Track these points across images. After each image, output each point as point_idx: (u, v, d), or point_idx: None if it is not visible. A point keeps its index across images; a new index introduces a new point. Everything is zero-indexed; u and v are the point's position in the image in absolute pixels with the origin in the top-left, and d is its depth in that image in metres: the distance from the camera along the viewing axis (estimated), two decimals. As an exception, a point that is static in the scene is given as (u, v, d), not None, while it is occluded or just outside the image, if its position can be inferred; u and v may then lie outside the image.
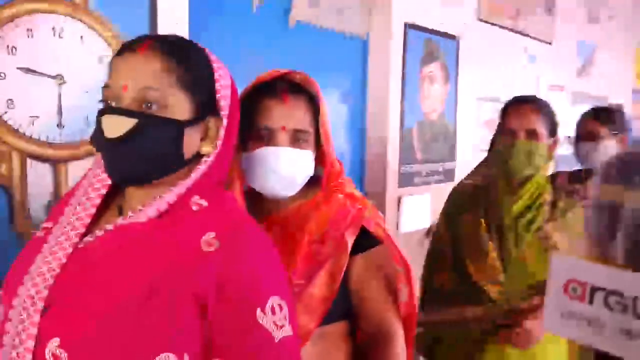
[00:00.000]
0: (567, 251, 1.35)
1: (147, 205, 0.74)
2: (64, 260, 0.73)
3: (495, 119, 1.71)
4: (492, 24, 3.08)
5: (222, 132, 0.79)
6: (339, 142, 2.44)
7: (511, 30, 3.26)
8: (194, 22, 1.71)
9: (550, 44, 3.68)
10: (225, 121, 0.79)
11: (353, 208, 1.05)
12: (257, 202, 1.06)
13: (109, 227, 0.75)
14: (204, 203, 0.76)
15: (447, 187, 2.85)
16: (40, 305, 0.70)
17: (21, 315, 0.69)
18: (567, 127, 4.01)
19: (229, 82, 0.82)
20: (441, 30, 2.68)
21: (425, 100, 2.65)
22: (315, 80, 1.10)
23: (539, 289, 1.38)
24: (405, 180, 2.55)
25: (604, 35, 4.34)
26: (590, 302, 0.45)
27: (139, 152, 0.72)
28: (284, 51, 2.13)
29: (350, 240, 1.01)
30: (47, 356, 0.67)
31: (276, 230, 1.03)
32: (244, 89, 1.09)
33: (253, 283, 0.73)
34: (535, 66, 3.54)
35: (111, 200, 0.82)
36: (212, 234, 0.72)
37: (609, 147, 1.86)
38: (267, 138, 1.00)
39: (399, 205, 2.54)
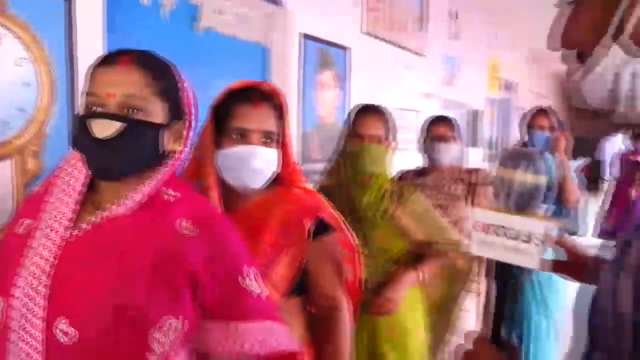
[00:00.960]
0: (412, 227, 1.74)
1: (127, 197, 0.85)
2: (57, 252, 0.82)
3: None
4: (375, 37, 3.41)
5: (186, 133, 0.93)
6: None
7: (391, 43, 3.63)
8: (110, 26, 1.76)
9: (423, 56, 4.14)
10: (188, 124, 0.93)
11: (310, 201, 1.24)
12: (225, 195, 1.20)
13: (95, 219, 0.85)
14: (177, 194, 0.89)
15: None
16: (43, 291, 0.78)
17: (26, 302, 0.77)
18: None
19: (191, 92, 0.96)
20: (334, 41, 2.94)
21: (320, 105, 2.89)
22: (280, 90, 1.27)
23: (394, 262, 1.73)
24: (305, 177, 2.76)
25: (464, 50, 4.95)
26: (488, 233, 0.78)
27: (126, 151, 0.83)
28: (192, 56, 2.22)
29: (308, 228, 1.19)
30: (57, 335, 0.77)
31: (244, 220, 1.17)
32: (217, 95, 1.24)
33: (233, 258, 0.89)
34: (411, 75, 3.97)
35: (83, 196, 0.91)
36: (189, 221, 0.85)
37: (455, 148, 2.36)
38: (242, 138, 1.15)
39: (299, 202, 2.74)
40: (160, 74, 0.89)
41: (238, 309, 0.88)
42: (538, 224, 0.77)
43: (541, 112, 2.71)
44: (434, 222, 1.79)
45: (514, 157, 0.84)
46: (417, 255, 1.78)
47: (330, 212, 1.27)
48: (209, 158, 1.16)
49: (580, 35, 0.58)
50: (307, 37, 2.71)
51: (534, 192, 0.80)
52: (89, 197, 0.90)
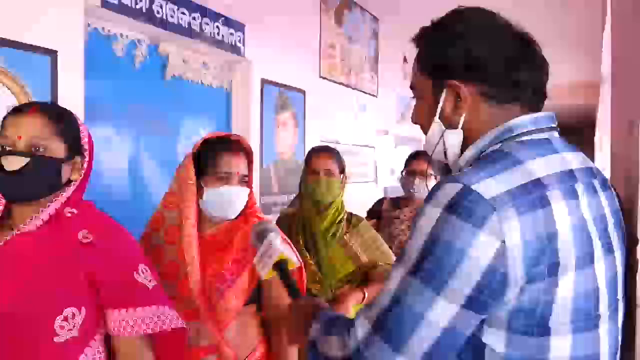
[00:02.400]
0: (359, 251, 1.96)
1: (34, 218, 1.07)
2: None
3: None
4: (330, 80, 3.75)
5: (84, 165, 1.14)
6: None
7: (345, 85, 3.97)
8: (89, 76, 2.01)
9: (375, 96, 4.50)
10: (87, 158, 1.15)
11: None
12: (200, 222, 1.47)
13: (7, 237, 1.07)
14: (75, 211, 1.11)
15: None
16: None
17: None
18: (393, 162, 4.82)
19: (87, 133, 1.18)
20: (291, 85, 3.25)
21: (279, 142, 3.17)
22: (246, 139, 1.57)
23: (343, 281, 1.96)
24: (265, 209, 3.02)
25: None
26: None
27: (31, 180, 1.05)
28: (162, 100, 2.48)
29: None
30: None
31: (214, 243, 1.46)
32: (195, 144, 1.49)
33: (126, 258, 1.11)
34: (365, 114, 4.30)
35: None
36: (85, 231, 1.06)
37: (431, 184, 2.43)
38: (225, 180, 1.44)
39: (260, 231, 2.98)
40: (60, 119, 1.11)
41: (134, 297, 1.08)
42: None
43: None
44: (378, 248, 2.02)
45: (262, 232, 1.17)
46: (362, 276, 2.01)
47: (281, 236, 1.55)
48: (191, 193, 1.44)
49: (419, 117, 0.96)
50: (266, 81, 3.01)
51: None
52: (5, 221, 1.11)
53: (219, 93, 2.85)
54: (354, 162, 3.95)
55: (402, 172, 2.59)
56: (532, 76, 0.86)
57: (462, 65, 0.85)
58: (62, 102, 1.89)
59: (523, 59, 0.85)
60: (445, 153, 0.91)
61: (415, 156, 2.58)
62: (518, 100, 0.86)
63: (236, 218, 1.50)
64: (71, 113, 1.17)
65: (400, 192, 2.64)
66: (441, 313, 0.75)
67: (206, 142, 1.48)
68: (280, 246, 1.13)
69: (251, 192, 1.53)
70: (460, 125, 0.87)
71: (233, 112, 2.95)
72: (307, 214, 1.99)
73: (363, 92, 4.27)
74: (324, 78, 3.66)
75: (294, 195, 3.29)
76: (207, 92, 2.76)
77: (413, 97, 0.96)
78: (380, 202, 2.66)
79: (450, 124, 0.88)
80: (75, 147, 1.13)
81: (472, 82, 0.85)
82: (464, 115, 0.86)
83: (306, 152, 3.41)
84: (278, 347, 1.49)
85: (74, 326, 1.02)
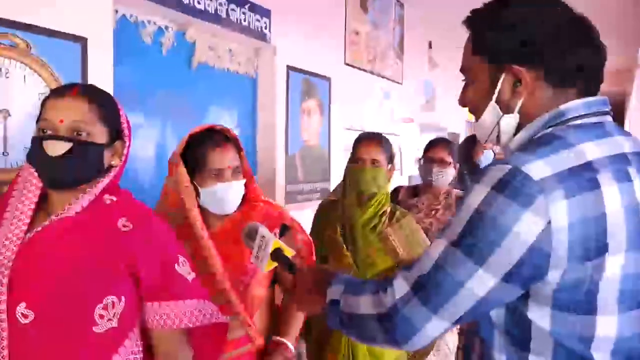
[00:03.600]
0: (400, 247, 1.86)
1: (73, 203, 1.03)
2: (16, 250, 1.01)
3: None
4: (355, 67, 3.70)
5: (124, 151, 1.12)
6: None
7: (370, 72, 3.92)
8: (118, 63, 2.01)
9: (400, 83, 4.44)
10: (127, 143, 1.13)
11: (274, 211, 1.54)
12: (205, 218, 1.47)
13: (46, 223, 1.03)
14: (114, 198, 1.08)
15: (324, 203, 3.37)
16: (5, 281, 0.98)
17: None
18: (417, 150, 4.77)
19: (125, 117, 1.15)
20: (316, 72, 3.21)
21: (305, 130, 3.15)
22: (230, 129, 1.54)
23: (377, 276, 1.86)
24: (291, 197, 3.01)
25: (442, 77, 5.26)
26: None
27: (73, 166, 1.01)
28: (189, 87, 2.48)
29: (276, 232, 1.49)
30: (17, 316, 0.97)
31: (225, 236, 1.46)
32: (182, 139, 1.49)
33: (166, 248, 1.07)
34: (389, 102, 4.25)
35: (35, 206, 1.09)
36: (125, 219, 1.03)
37: (450, 173, 2.40)
38: (218, 176, 1.42)
39: (285, 219, 2.97)
40: (102, 103, 1.07)
41: (174, 290, 1.06)
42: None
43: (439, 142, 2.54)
44: (420, 245, 1.91)
45: (251, 231, 1.15)
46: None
47: (289, 217, 1.56)
48: (191, 197, 1.43)
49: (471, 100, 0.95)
50: (292, 68, 2.98)
51: None
52: (42, 206, 1.08)
53: (245, 80, 2.83)
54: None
55: (420, 159, 2.52)
56: (590, 60, 0.84)
57: (522, 50, 0.83)
58: (92, 89, 1.90)
59: (581, 42, 0.84)
60: (498, 137, 0.91)
61: (434, 143, 2.49)
62: (574, 84, 0.85)
63: (239, 208, 1.49)
64: (111, 96, 1.14)
65: (419, 181, 2.59)
66: (480, 284, 0.78)
67: (192, 138, 1.46)
68: (271, 237, 1.12)
69: (250, 178, 1.51)
70: (517, 110, 0.87)
71: (259, 99, 2.93)
72: (348, 203, 1.91)
73: (388, 79, 4.21)
74: (349, 65, 3.61)
75: (319, 184, 3.28)
76: (233, 78, 2.74)
77: (463, 80, 0.95)
78: (396, 190, 2.58)
79: (506, 108, 0.88)
80: (115, 132, 1.10)
81: (531, 67, 0.84)
82: (522, 99, 0.86)
83: (331, 140, 3.43)
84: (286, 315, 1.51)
85: (113, 315, 1.00)
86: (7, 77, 1.65)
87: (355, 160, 1.93)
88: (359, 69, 3.75)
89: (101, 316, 0.99)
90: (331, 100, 3.38)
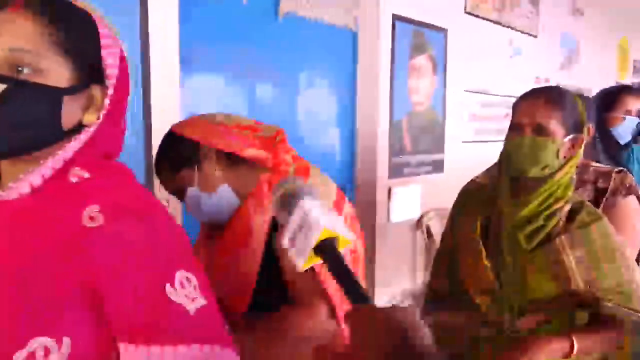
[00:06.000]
0: (578, 271, 1.21)
1: (18, 181, 0.68)
2: None
3: (483, 111, 1.70)
4: (479, 16, 3.11)
5: (107, 102, 0.72)
6: (329, 133, 2.45)
7: (497, 23, 3.30)
8: (184, 15, 1.71)
9: (535, 36, 3.73)
10: (111, 90, 0.73)
11: (265, 185, 1.13)
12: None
13: None
14: (86, 174, 0.70)
15: (437, 178, 2.91)
16: None
17: None
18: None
19: (117, 50, 0.74)
20: (429, 22, 2.71)
21: (414, 93, 2.68)
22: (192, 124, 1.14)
23: (535, 307, 1.25)
24: (395, 171, 2.58)
25: (587, 27, 4.41)
26: None
27: (9, 122, 0.65)
28: (273, 43, 2.13)
29: (260, 218, 1.09)
30: None
31: (230, 231, 1.12)
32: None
33: (154, 259, 0.67)
34: (520, 58, 3.59)
35: None
36: (95, 207, 0.66)
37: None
38: (178, 193, 1.14)
39: (389, 196, 2.56)
40: (66, 23, 0.69)
41: (163, 327, 0.65)
42: None
43: (628, 91, 2.01)
44: (617, 271, 1.23)
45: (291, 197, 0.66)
46: (574, 310, 1.26)
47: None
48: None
49: None
50: (399, 18, 2.52)
51: None
52: None
53: (342, 33, 2.43)
54: (507, 117, 3.31)
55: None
56: None
57: None
58: (153, 46, 1.62)
59: None
60: None
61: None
62: None
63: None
64: (86, 15, 0.72)
65: None
66: None
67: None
68: (321, 215, 0.64)
69: (240, 147, 1.10)
70: None
71: (359, 56, 2.51)
72: (499, 193, 1.31)
73: (520, 31, 3.54)
74: (471, 14, 3.04)
75: (430, 155, 2.80)
76: (328, 32, 2.35)
77: None
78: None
79: None
80: (92, 71, 0.72)
81: None
82: None
83: (447, 104, 2.92)
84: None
85: None
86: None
87: (512, 126, 1.32)
88: (483, 18, 3.16)
89: None
90: (447, 56, 2.86)
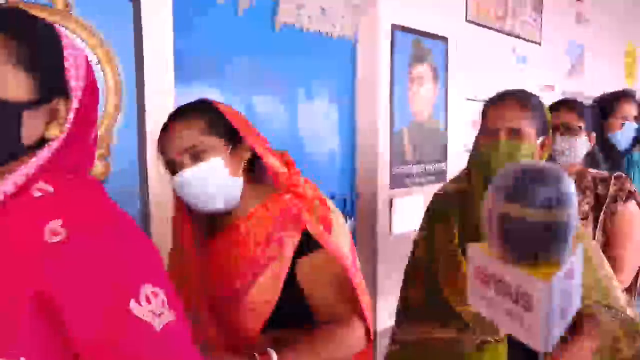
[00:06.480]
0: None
1: None
2: None
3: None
4: (480, 25, 3.09)
5: (71, 115, 0.71)
6: (329, 144, 2.43)
7: (499, 31, 3.27)
8: (179, 26, 1.71)
9: (539, 44, 3.70)
10: (76, 102, 0.72)
11: (294, 209, 1.06)
12: (210, 220, 1.11)
13: None
14: (50, 189, 0.69)
15: (439, 188, 2.87)
16: None
17: None
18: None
19: (82, 61, 0.74)
20: (430, 31, 2.69)
21: (415, 102, 2.65)
22: (205, 101, 1.12)
23: None
24: (397, 181, 2.55)
25: (592, 35, 4.36)
26: (489, 286, 0.52)
27: None
28: (271, 55, 2.12)
29: (289, 242, 1.03)
30: None
31: (227, 237, 1.07)
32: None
33: (118, 274, 0.65)
34: (525, 67, 3.55)
35: None
36: (58, 222, 0.64)
37: (582, 143, 1.71)
38: (172, 166, 1.04)
39: (390, 207, 2.53)
40: (25, 36, 0.68)
41: (126, 346, 0.63)
42: (537, 283, 0.49)
43: (624, 97, 2.00)
44: (594, 274, 1.25)
45: (520, 182, 0.56)
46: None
47: (317, 223, 1.06)
48: (174, 197, 1.08)
49: None
50: (398, 28, 2.50)
51: (551, 233, 0.52)
52: None
53: (341, 44, 2.41)
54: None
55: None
56: None
57: None
58: (148, 57, 1.62)
59: None
60: None
61: (559, 106, 1.78)
62: None
63: (265, 198, 1.07)
64: (48, 26, 0.72)
65: None
66: None
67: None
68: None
69: (264, 159, 1.05)
70: None
71: (358, 66, 2.50)
72: (475, 198, 1.31)
73: (523, 39, 3.51)
74: (472, 22, 3.01)
75: (432, 165, 2.77)
76: (326, 43, 2.33)
77: None
78: None
79: None
80: (54, 84, 0.71)
81: None
82: None
83: (449, 113, 2.89)
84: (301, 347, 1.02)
85: None
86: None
87: (485, 130, 1.33)
88: (485, 26, 3.13)
89: None
90: (448, 65, 2.83)
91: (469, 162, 1.40)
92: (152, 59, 1.63)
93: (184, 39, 1.75)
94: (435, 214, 1.47)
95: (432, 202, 1.53)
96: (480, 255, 0.53)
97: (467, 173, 1.41)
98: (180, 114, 1.07)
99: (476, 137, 1.39)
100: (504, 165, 1.24)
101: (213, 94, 1.96)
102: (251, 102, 2.10)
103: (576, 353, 1.22)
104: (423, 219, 1.54)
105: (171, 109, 1.64)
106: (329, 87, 2.40)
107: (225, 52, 1.96)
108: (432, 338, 1.34)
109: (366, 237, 2.50)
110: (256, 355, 0.94)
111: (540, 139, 1.32)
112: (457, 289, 1.29)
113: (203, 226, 1.13)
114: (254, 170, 1.12)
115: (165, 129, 1.07)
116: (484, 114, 1.37)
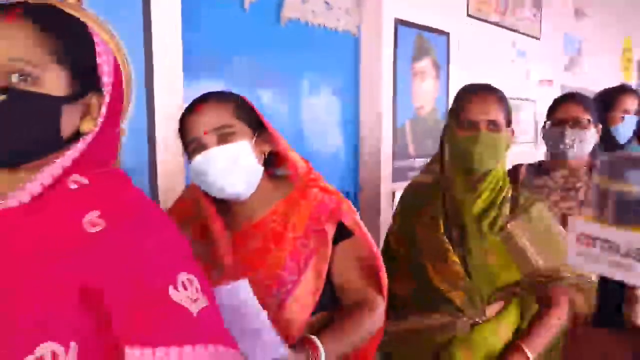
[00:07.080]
0: (530, 250, 1.32)
1: (18, 188, 0.68)
2: None
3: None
4: (481, 19, 3.11)
5: (104, 109, 0.74)
6: (332, 138, 2.45)
7: (500, 25, 3.30)
8: (186, 20, 1.72)
9: (538, 39, 3.72)
10: (107, 97, 0.74)
11: (331, 202, 1.10)
12: (232, 213, 1.11)
13: None
14: (85, 181, 0.71)
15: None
16: None
17: None
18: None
19: (112, 57, 0.76)
20: (432, 25, 2.71)
21: (417, 96, 2.68)
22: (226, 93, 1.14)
23: (504, 293, 1.35)
24: (399, 175, 2.57)
25: (590, 29, 4.39)
26: (594, 246, 0.63)
27: (10, 132, 0.66)
28: (276, 49, 2.14)
29: (331, 233, 1.08)
30: None
31: (258, 235, 1.08)
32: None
33: (156, 261, 0.68)
34: (524, 61, 3.58)
35: None
36: (95, 213, 0.67)
37: (590, 136, 1.74)
38: (196, 148, 1.05)
39: (393, 200, 2.56)
40: (63, 33, 0.69)
41: (168, 329, 0.65)
42: None
43: (625, 91, 2.05)
44: (557, 246, 1.33)
45: (622, 165, 0.61)
46: (537, 292, 1.36)
47: (352, 215, 1.13)
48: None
49: None
50: (401, 22, 2.52)
51: None
52: None
53: (344, 38, 2.43)
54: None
55: (545, 123, 1.83)
56: None
57: None
58: (156, 52, 1.63)
59: None
60: None
61: (564, 99, 1.82)
62: None
63: (286, 194, 1.09)
64: (81, 23, 0.73)
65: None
66: None
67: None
68: None
69: (285, 154, 1.08)
70: None
71: (362, 60, 2.51)
72: (452, 188, 1.37)
73: (522, 33, 3.53)
74: (473, 17, 3.03)
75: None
76: (331, 37, 2.35)
77: None
78: (515, 169, 1.90)
79: None
80: (89, 79, 0.72)
81: None
82: None
83: (449, 107, 2.91)
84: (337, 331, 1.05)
85: None
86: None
87: (460, 124, 1.36)
88: (486, 21, 3.15)
89: None
90: (450, 60, 2.85)
91: (439, 154, 1.45)
92: (161, 55, 1.65)
93: (190, 33, 1.76)
94: (411, 206, 1.51)
95: (405, 195, 1.59)
96: (585, 224, 0.64)
97: (437, 166, 1.45)
98: (210, 97, 1.09)
99: (447, 129, 1.44)
100: (486, 155, 1.32)
101: (218, 88, 1.97)
102: (255, 96, 2.12)
103: (546, 322, 1.34)
104: (397, 212, 1.60)
105: (180, 102, 1.67)
106: (333, 81, 2.42)
107: (231, 46, 1.98)
108: (424, 325, 1.40)
109: (369, 229, 2.52)
110: (305, 346, 0.97)
111: (509, 129, 1.40)
112: (446, 275, 1.35)
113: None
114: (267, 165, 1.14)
115: (191, 109, 1.08)
116: (457, 104, 1.42)
